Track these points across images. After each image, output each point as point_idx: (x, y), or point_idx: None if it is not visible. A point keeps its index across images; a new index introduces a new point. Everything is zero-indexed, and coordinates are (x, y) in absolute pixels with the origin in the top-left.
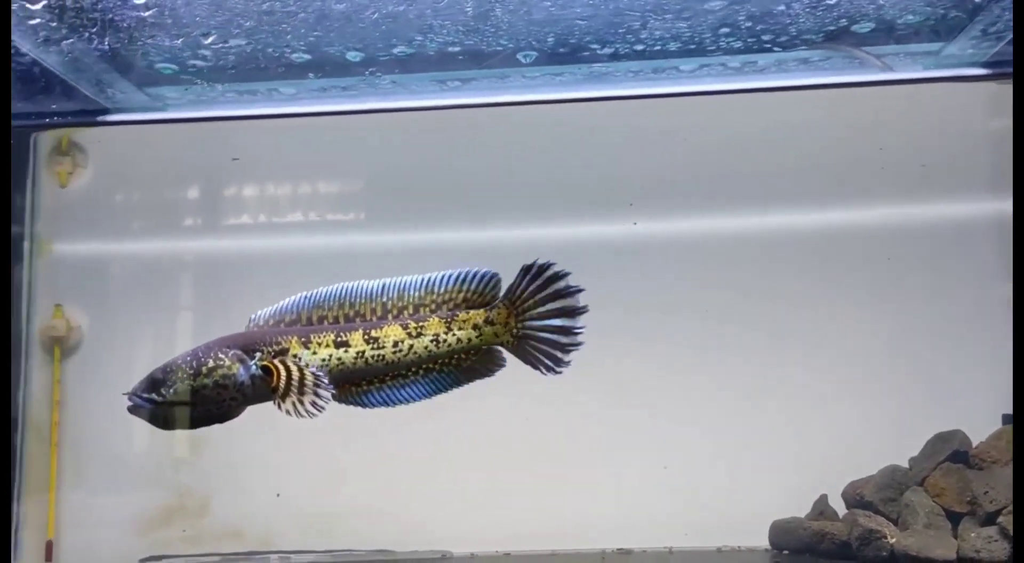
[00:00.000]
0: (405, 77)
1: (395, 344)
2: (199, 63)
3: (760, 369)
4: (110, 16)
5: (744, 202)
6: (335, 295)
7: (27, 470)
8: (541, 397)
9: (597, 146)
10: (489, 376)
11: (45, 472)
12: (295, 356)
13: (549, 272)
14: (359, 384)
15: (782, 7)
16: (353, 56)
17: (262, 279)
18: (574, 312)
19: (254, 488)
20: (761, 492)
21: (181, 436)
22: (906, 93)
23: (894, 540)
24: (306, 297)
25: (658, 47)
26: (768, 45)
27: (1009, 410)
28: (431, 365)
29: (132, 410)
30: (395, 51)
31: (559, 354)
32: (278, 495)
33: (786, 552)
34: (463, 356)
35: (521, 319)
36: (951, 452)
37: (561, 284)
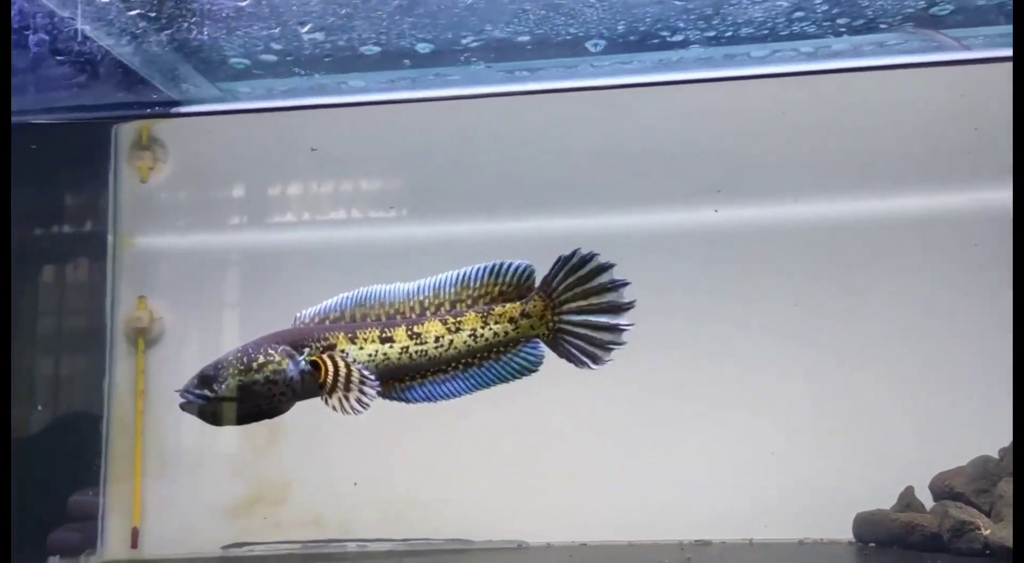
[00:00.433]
0: (473, 67)
1: (436, 339)
2: (269, 58)
3: (842, 359)
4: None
5: (840, 189)
6: (376, 293)
7: (112, 459)
8: (618, 386)
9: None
10: (535, 372)
11: (130, 461)
12: (342, 352)
13: (592, 263)
14: (402, 380)
15: None
16: (423, 48)
17: (339, 269)
18: (619, 309)
19: (332, 477)
20: (842, 484)
21: (260, 426)
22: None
23: (988, 532)
24: (348, 296)
25: (729, 33)
26: (843, 29)
27: None
28: (471, 360)
29: (184, 407)
30: (464, 42)
31: (599, 351)
32: (355, 484)
33: (872, 545)
34: (501, 350)
35: (558, 312)
36: None
37: (605, 277)
